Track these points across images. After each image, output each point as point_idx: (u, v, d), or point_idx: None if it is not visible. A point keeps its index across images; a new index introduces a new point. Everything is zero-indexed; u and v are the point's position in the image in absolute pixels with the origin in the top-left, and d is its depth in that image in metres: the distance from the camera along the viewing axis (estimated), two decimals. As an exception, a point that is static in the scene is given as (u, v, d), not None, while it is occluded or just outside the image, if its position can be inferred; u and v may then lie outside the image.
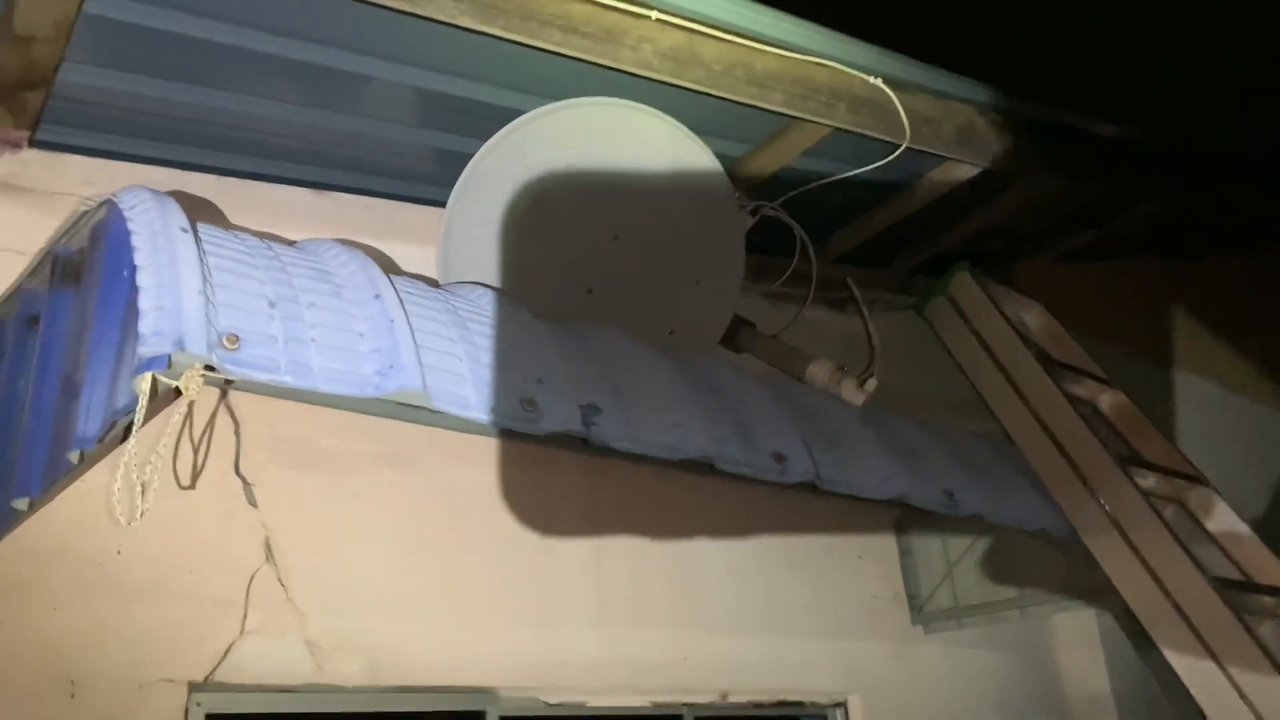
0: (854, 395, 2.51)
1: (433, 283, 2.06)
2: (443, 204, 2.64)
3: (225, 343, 1.35)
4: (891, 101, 2.84)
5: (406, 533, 2.69)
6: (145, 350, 1.29)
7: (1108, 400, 2.88)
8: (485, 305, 1.89)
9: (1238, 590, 2.31)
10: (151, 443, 1.36)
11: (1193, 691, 2.13)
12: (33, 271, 2.01)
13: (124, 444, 1.33)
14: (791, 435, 2.04)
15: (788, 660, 3.37)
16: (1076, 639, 4.16)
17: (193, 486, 2.07)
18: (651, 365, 2.01)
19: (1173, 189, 4.04)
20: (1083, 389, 2.87)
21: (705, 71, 2.51)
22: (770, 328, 3.20)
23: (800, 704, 3.40)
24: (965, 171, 3.28)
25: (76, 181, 2.45)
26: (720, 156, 3.02)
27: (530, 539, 2.93)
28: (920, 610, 3.75)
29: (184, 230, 1.47)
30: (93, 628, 2.16)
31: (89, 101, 2.36)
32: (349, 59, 2.38)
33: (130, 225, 1.46)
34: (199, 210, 2.56)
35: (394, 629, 2.59)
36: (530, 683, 2.78)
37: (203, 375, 1.31)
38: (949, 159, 3.13)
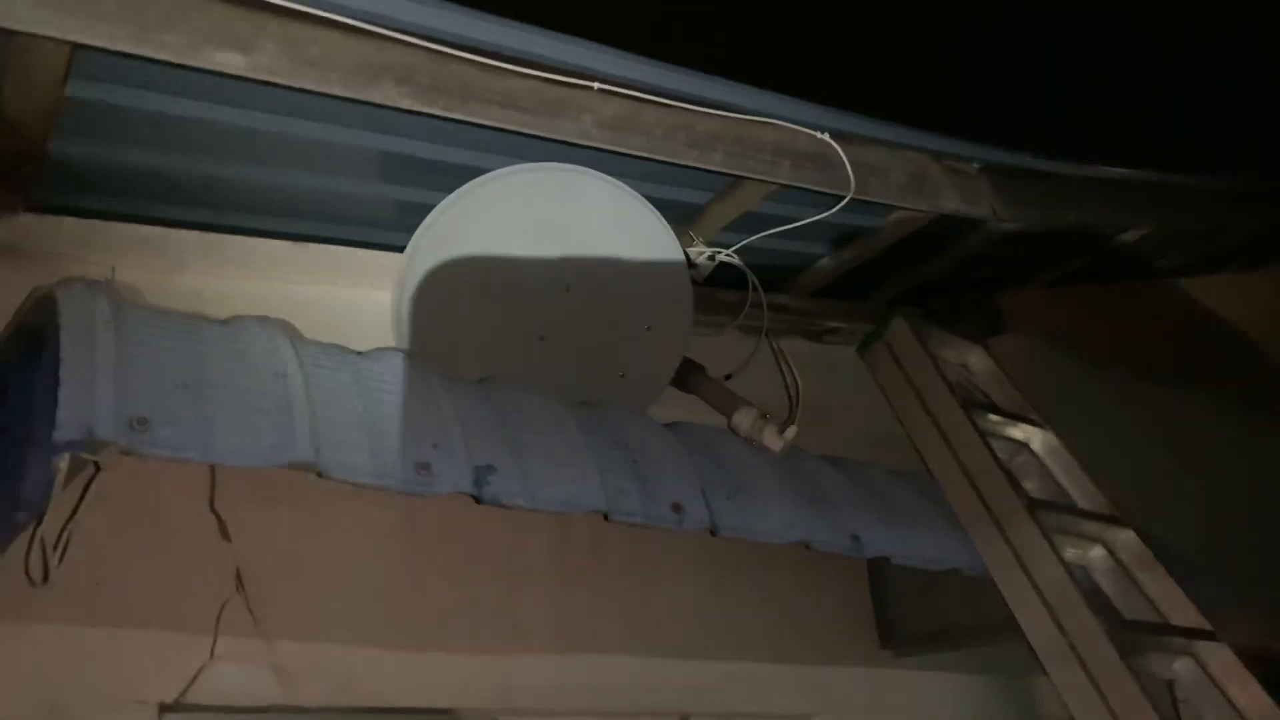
0: (774, 442, 2.65)
1: (364, 343, 2.25)
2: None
3: (135, 425, 1.55)
4: (837, 154, 2.95)
5: (373, 561, 2.88)
6: (60, 436, 1.50)
7: (1040, 442, 2.98)
8: (393, 373, 2.07)
9: (1134, 631, 2.42)
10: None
11: (1077, 721, 2.25)
12: (6, 339, 2.24)
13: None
14: (691, 486, 2.20)
15: (752, 683, 3.48)
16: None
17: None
18: (557, 424, 2.19)
19: (1146, 220, 4.09)
20: (1018, 431, 2.97)
21: (646, 138, 2.64)
22: (740, 362, 3.33)
23: (763, 726, 3.53)
24: (922, 218, 3.39)
25: (71, 242, 2.67)
26: (680, 204, 3.18)
27: (495, 565, 3.10)
28: (890, 634, 3.84)
29: (106, 323, 1.68)
30: (70, 654, 2.38)
31: (80, 168, 2.59)
32: (314, 128, 2.58)
33: (60, 320, 1.67)
34: (182, 267, 2.79)
35: (359, 653, 2.77)
36: (492, 705, 2.95)
37: (118, 453, 1.51)
38: (899, 208, 3.24)
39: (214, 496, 2.68)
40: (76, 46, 1.99)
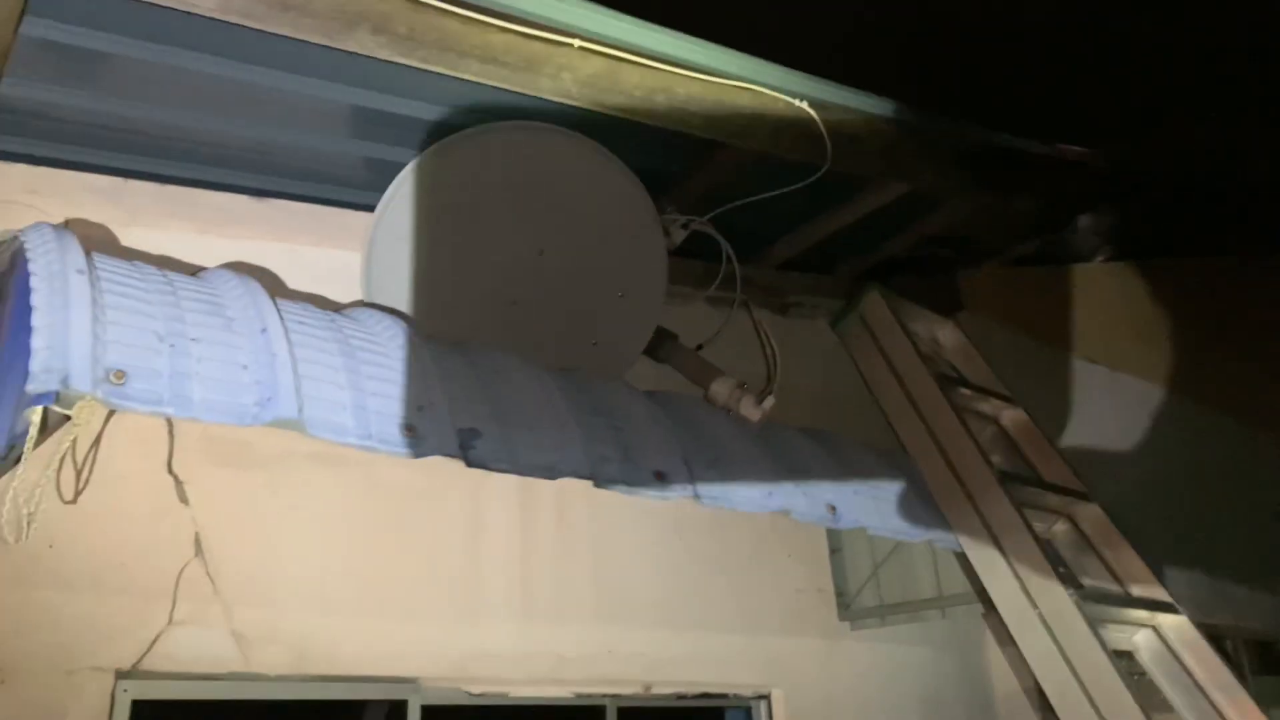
0: (751, 412, 2.64)
1: (339, 305, 2.17)
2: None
3: (112, 378, 1.47)
4: (815, 124, 2.93)
5: (336, 529, 2.82)
6: (34, 386, 1.41)
7: (1009, 418, 3.02)
8: (378, 334, 2.01)
9: (1099, 602, 2.47)
10: (44, 463, 1.49)
11: (1045, 689, 2.30)
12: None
13: (14, 469, 1.46)
14: (674, 455, 2.18)
15: (712, 654, 3.50)
16: (1002, 636, 4.30)
17: (74, 501, 2.19)
18: (540, 389, 2.15)
19: (1110, 204, 4.16)
20: (987, 406, 3.00)
21: (626, 98, 2.60)
22: (708, 333, 3.31)
23: (724, 695, 3.55)
24: (893, 190, 3.39)
25: (19, 189, 2.56)
26: (655, 172, 3.13)
27: (460, 534, 3.06)
28: (847, 607, 3.89)
29: (80, 272, 1.59)
30: (24, 618, 2.29)
31: (30, 114, 2.46)
32: (281, 77, 2.48)
33: (31, 266, 1.58)
34: (137, 219, 2.68)
35: (320, 621, 2.72)
36: (454, 674, 2.92)
37: (91, 406, 1.44)
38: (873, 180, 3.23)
39: (171, 458, 2.59)
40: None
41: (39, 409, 1.42)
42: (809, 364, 3.60)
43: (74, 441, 1.44)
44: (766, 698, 3.61)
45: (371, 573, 2.85)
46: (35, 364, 1.42)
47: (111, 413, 1.45)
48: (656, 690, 3.34)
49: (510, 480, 3.17)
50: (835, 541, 3.95)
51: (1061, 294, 5.22)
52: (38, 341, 1.45)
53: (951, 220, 3.83)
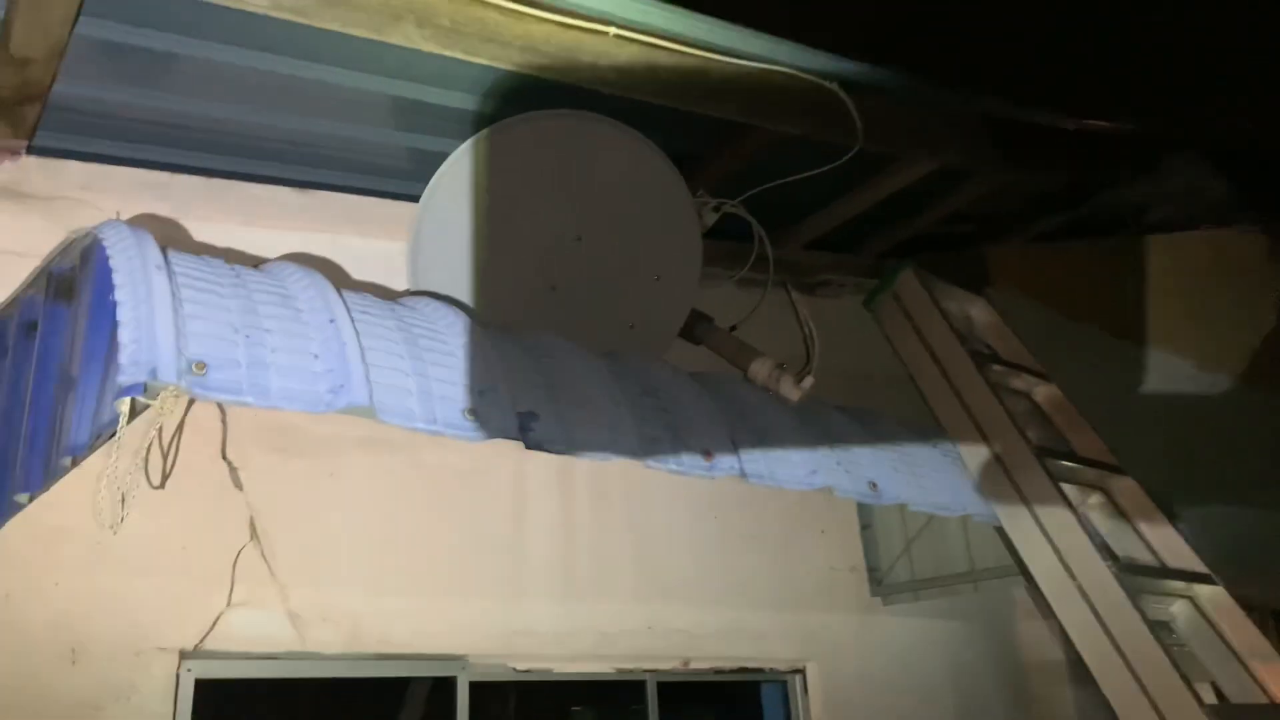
0: (790, 392, 2.69)
1: (390, 294, 2.23)
2: (417, 198, 2.81)
3: (194, 369, 1.54)
4: (845, 105, 2.95)
5: (384, 511, 2.90)
6: (124, 379, 1.48)
7: (1043, 393, 3.06)
8: (437, 321, 2.07)
9: (1136, 573, 2.51)
10: (133, 451, 1.56)
11: (1086, 660, 2.34)
12: (31, 282, 2.19)
13: (109, 454, 1.53)
14: (720, 434, 2.23)
15: (749, 629, 3.58)
16: (1032, 609, 4.35)
17: (162, 486, 2.27)
18: (591, 372, 2.20)
19: (1139, 177, 4.16)
20: (1020, 382, 3.04)
21: (660, 84, 2.64)
22: (741, 313, 3.35)
23: (760, 670, 3.62)
24: (923, 167, 3.41)
25: (74, 186, 2.63)
26: (687, 154, 3.17)
27: (502, 515, 3.14)
28: (879, 583, 3.95)
29: (159, 268, 1.65)
30: (92, 600, 2.37)
31: (83, 112, 2.52)
32: (325, 70, 2.53)
33: (112, 263, 1.64)
34: (187, 213, 2.75)
35: (371, 601, 2.80)
36: (500, 651, 3.00)
37: (175, 397, 1.50)
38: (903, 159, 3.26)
39: (225, 446, 2.67)
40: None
41: (127, 400, 1.49)
42: (837, 342, 3.61)
43: (160, 430, 1.50)
44: (801, 672, 3.68)
45: (419, 553, 2.92)
46: (124, 357, 1.49)
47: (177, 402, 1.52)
48: (695, 665, 3.42)
49: (549, 461, 3.24)
50: (866, 518, 4.01)
51: (1087, 268, 5.20)
52: (124, 336, 1.51)
53: (979, 196, 3.84)
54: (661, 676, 3.34)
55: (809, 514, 3.86)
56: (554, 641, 3.12)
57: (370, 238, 2.96)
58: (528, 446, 1.88)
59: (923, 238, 4.30)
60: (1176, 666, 2.15)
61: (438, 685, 2.94)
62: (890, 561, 3.97)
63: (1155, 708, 2.15)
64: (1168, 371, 5.30)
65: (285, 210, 2.88)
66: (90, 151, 2.63)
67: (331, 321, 1.78)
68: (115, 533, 1.85)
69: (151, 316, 1.54)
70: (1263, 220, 5.27)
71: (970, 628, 4.15)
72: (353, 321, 1.80)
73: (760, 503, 3.70)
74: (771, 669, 3.65)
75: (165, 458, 1.87)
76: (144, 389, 1.48)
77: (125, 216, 2.65)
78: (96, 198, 2.61)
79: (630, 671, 3.29)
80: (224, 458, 2.65)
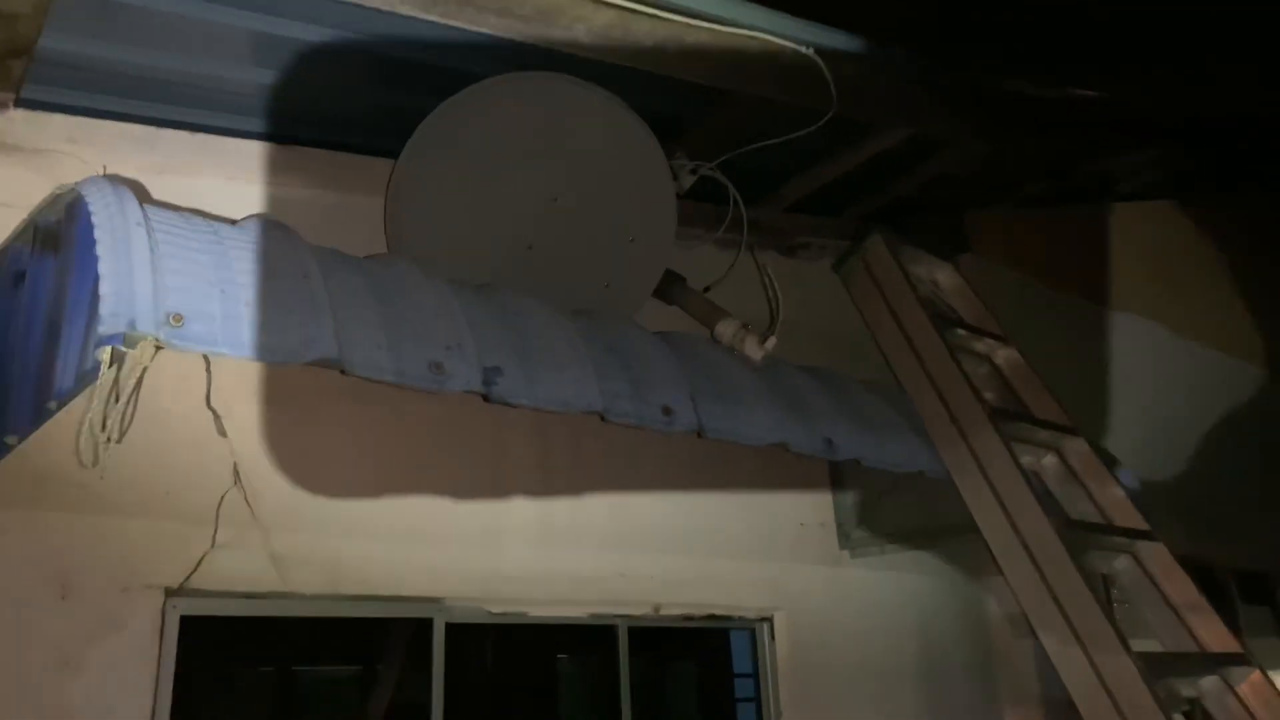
0: (754, 352, 2.78)
1: (373, 249, 2.31)
2: (397, 155, 2.87)
3: (171, 321, 1.63)
4: (821, 70, 3.00)
5: (365, 458, 3.00)
6: (104, 329, 1.57)
7: (1003, 356, 3.15)
8: (406, 279, 2.15)
9: (1080, 530, 2.63)
10: (112, 397, 1.65)
11: (1026, 610, 2.47)
12: (19, 233, 2.27)
13: (91, 398, 1.62)
14: (681, 391, 2.33)
15: (719, 578, 3.70)
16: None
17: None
18: (558, 329, 2.29)
19: (1121, 147, 4.21)
20: (982, 345, 3.13)
21: (636, 48, 2.69)
22: (721, 273, 3.43)
23: (728, 618, 3.76)
24: (899, 134, 3.47)
25: (60, 138, 2.68)
26: (666, 116, 3.22)
27: (482, 465, 3.24)
28: (848, 537, 4.07)
29: (138, 224, 1.74)
30: (81, 539, 2.48)
31: (69, 65, 2.57)
32: (305, 28, 2.58)
33: (94, 219, 1.72)
34: (170, 167, 2.81)
35: (351, 545, 2.91)
36: (476, 594, 3.12)
37: (154, 347, 1.59)
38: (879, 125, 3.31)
39: (210, 394, 2.76)
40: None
41: (108, 348, 1.58)
42: (818, 304, 3.71)
43: (142, 375, 1.59)
44: (769, 620, 3.81)
45: (399, 500, 3.03)
46: (104, 308, 1.58)
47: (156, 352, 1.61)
48: (665, 611, 3.55)
49: (528, 413, 3.33)
50: (837, 475, 4.12)
51: (1067, 235, 5.27)
52: (105, 288, 1.60)
53: (959, 162, 3.89)
54: (633, 622, 3.47)
55: (782, 470, 3.95)
56: (530, 585, 3.24)
57: (353, 193, 3.03)
58: (490, 400, 1.98)
59: (905, 201, 4.35)
60: (1109, 617, 2.27)
61: (419, 627, 3.06)
62: (859, 517, 4.08)
63: (1089, 657, 2.28)
64: (1143, 336, 5.40)
65: (268, 165, 2.94)
66: (76, 105, 2.68)
67: (305, 277, 1.86)
68: (101, 477, 1.95)
69: (130, 270, 1.62)
70: (1239, 190, 5.34)
71: (936, 581, 4.28)
72: (324, 277, 1.88)
73: (735, 459, 3.78)
74: (740, 616, 3.78)
75: (129, 407, 1.93)
76: (123, 339, 1.57)
77: (111, 169, 2.72)
78: (82, 150, 2.68)
79: (603, 616, 3.42)
80: (208, 406, 2.74)
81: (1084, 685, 2.30)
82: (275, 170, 2.97)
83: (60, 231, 2.06)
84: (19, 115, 2.63)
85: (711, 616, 3.69)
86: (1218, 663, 2.53)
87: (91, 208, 1.75)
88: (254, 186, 2.93)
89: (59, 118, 2.69)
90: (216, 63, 2.67)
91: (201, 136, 2.87)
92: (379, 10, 2.38)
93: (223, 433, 2.75)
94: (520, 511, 3.27)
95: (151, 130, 2.80)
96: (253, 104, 2.83)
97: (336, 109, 2.93)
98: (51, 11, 2.33)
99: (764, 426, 2.46)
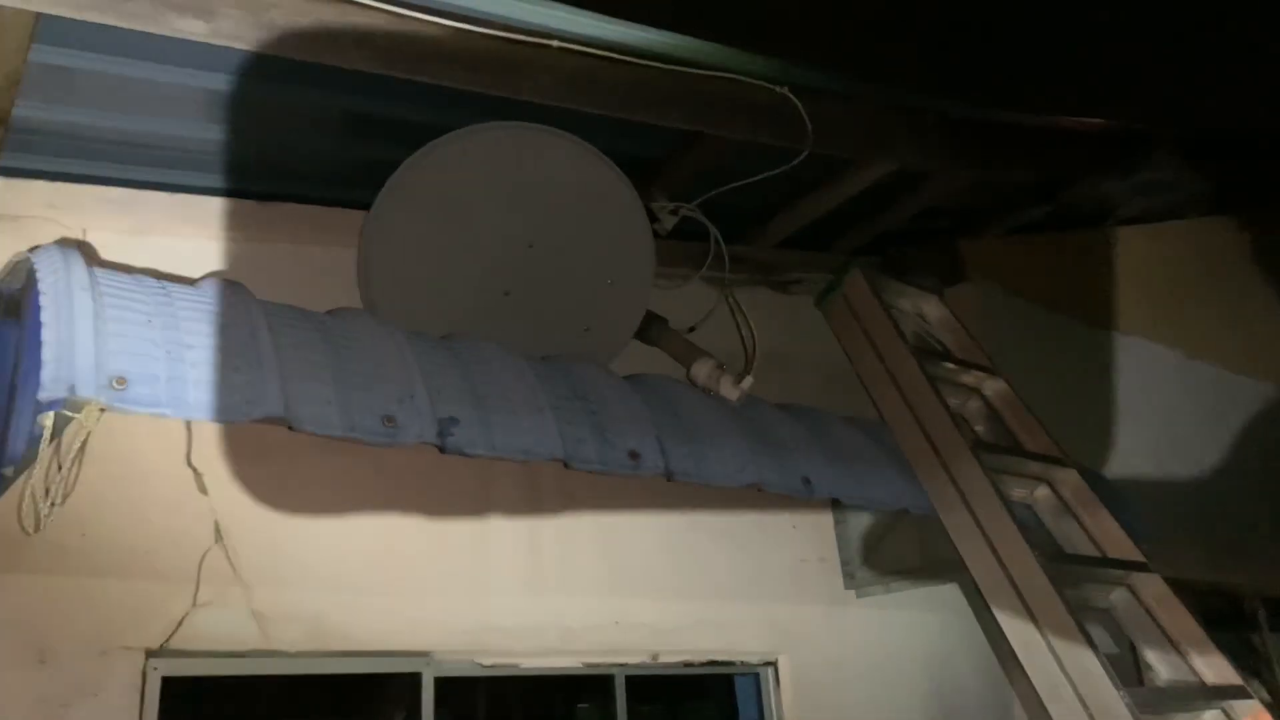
0: (730, 391, 2.76)
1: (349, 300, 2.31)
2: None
3: (114, 384, 1.63)
4: (796, 108, 3.01)
5: (347, 511, 2.98)
6: (44, 395, 1.58)
7: (991, 388, 3.11)
8: (360, 331, 2.16)
9: (1071, 564, 2.57)
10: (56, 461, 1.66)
11: (1018, 652, 2.41)
12: (-13, 301, 2.30)
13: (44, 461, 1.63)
14: (647, 434, 2.31)
15: (718, 622, 3.62)
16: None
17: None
18: (517, 375, 2.28)
19: (1108, 173, 4.17)
20: (969, 378, 3.10)
21: (604, 95, 2.70)
22: (705, 313, 3.41)
23: (730, 664, 3.67)
24: (881, 168, 3.46)
25: (39, 205, 2.73)
26: (644, 158, 3.23)
27: (467, 512, 3.21)
28: (852, 575, 3.99)
29: (83, 288, 1.75)
30: (60, 602, 2.47)
31: (44, 132, 2.62)
32: (274, 88, 2.62)
33: (40, 285, 1.74)
34: (150, 228, 2.84)
35: (335, 599, 2.88)
36: (465, 646, 3.07)
37: (98, 410, 1.60)
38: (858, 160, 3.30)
39: (190, 452, 2.77)
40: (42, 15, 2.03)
41: (50, 415, 1.58)
42: (813, 339, 3.68)
43: (86, 440, 1.60)
44: (774, 664, 3.72)
45: (383, 552, 3.00)
46: (45, 374, 1.59)
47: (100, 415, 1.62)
48: (664, 659, 3.47)
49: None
50: (840, 512, 4.05)
51: (1065, 260, 5.22)
52: (47, 354, 1.61)
53: (947, 193, 3.87)
54: (630, 670, 3.40)
55: (783, 506, 3.89)
56: (520, 637, 3.19)
57: (330, 245, 3.04)
58: (445, 451, 1.96)
59: (896, 233, 4.34)
60: (1095, 651, 2.21)
61: (408, 685, 3.01)
62: (863, 555, 4.01)
63: (1077, 693, 2.21)
64: (1150, 358, 5.32)
65: (246, 222, 2.97)
66: (54, 171, 2.73)
67: (253, 334, 1.87)
68: (32, 534, 1.90)
69: (72, 335, 1.64)
70: (1240, 212, 5.27)
71: (945, 619, 4.17)
72: (274, 334, 1.89)
73: (732, 498, 3.74)
74: (743, 662, 3.69)
75: (74, 470, 1.92)
76: (64, 403, 1.58)
77: (91, 233, 2.76)
78: (62, 215, 2.72)
79: (598, 665, 3.35)
80: (189, 464, 2.74)
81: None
82: (254, 226, 3.00)
83: (21, 298, 2.08)
84: (-1, 183, 2.67)
85: (713, 663, 3.61)
86: (1217, 695, 2.45)
87: (39, 274, 1.77)
88: (235, 243, 2.95)
89: (38, 184, 2.73)
90: (191, 124, 2.71)
91: (181, 196, 2.91)
92: (341, 69, 2.40)
93: (204, 490, 2.75)
94: (509, 559, 3.24)
95: (130, 193, 2.84)
96: (227, 163, 2.87)
97: (310, 165, 2.96)
98: (25, 82, 2.37)
99: (736, 467, 2.43)
